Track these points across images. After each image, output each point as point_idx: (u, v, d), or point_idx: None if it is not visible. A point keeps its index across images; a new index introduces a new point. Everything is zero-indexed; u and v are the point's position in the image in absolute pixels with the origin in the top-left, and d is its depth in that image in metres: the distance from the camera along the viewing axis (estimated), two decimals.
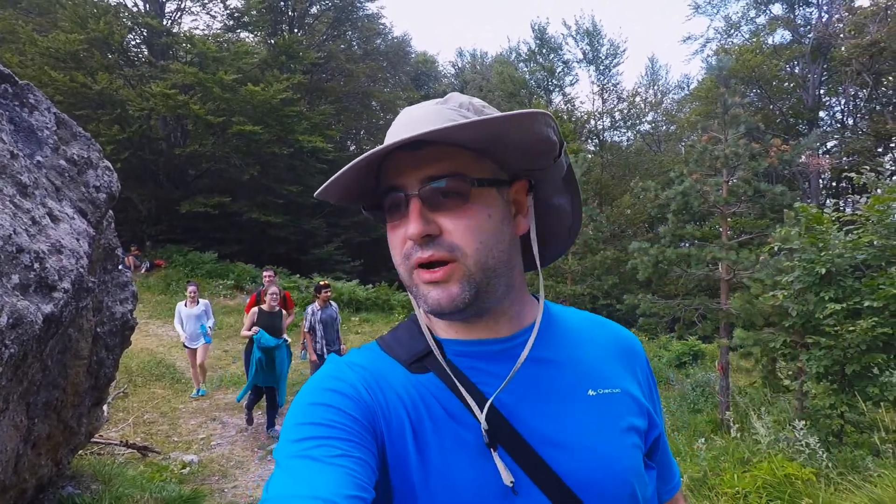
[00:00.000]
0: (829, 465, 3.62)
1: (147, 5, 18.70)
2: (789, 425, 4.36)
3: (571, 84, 27.31)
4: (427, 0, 69.81)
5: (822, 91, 20.83)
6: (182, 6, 19.63)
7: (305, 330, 6.11)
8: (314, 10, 22.82)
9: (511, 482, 0.56)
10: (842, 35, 18.59)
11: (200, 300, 6.85)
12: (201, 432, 5.72)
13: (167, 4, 19.38)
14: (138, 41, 18.87)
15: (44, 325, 1.99)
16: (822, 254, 4.71)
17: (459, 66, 35.41)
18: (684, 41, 35.70)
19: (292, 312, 6.71)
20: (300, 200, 18.79)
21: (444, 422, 0.60)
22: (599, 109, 26.01)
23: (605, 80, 25.92)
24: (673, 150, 24.60)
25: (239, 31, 21.21)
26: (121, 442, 4.76)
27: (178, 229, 17.67)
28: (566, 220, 0.75)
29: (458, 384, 0.61)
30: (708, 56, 23.30)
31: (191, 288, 6.86)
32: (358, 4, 23.23)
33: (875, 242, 4.67)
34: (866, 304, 4.36)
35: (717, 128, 7.49)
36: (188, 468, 4.66)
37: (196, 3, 19.76)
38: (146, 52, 18.45)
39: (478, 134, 0.56)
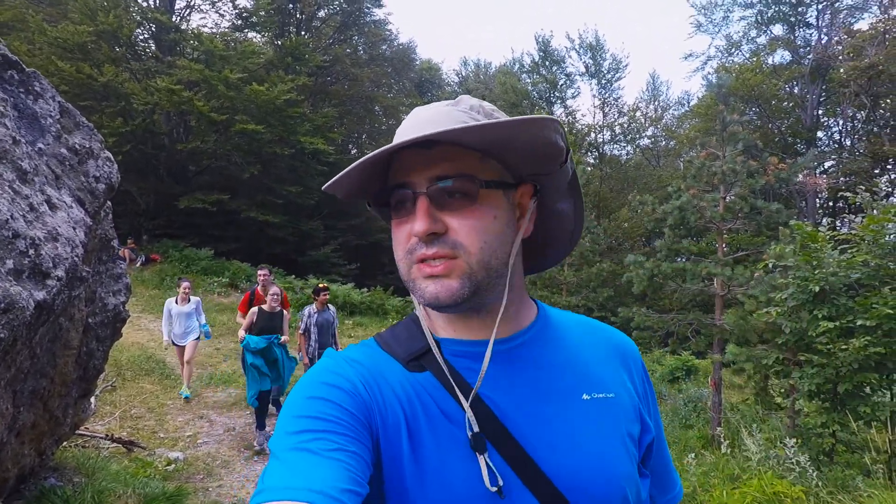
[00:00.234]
0: (820, 483, 3.61)
1: (157, 1, 18.80)
2: (780, 443, 4.36)
3: (573, 97, 27.53)
4: (431, 4, 70.58)
5: (820, 111, 21.06)
6: (192, 3, 19.76)
7: (300, 332, 6.03)
8: (322, 13, 22.98)
9: (496, 488, 0.56)
10: (840, 57, 18.85)
11: (192, 297, 6.69)
12: (188, 429, 5.66)
13: (177, 1, 19.50)
14: (146, 36, 18.95)
15: (35, 311, 1.98)
16: (817, 272, 4.74)
17: (463, 74, 35.63)
18: (685, 58, 36.24)
19: (288, 312, 6.61)
20: (299, 201, 18.79)
21: (438, 420, 0.60)
22: (600, 123, 26.18)
23: (607, 94, 26.12)
24: (672, 165, 24.79)
25: (247, 30, 21.34)
26: (106, 435, 4.70)
27: (176, 224, 17.62)
28: (568, 225, 0.75)
29: (453, 384, 0.61)
30: (708, 74, 23.57)
31: (185, 284, 6.71)
32: (365, 10, 23.42)
33: (869, 262, 4.70)
34: (859, 322, 4.38)
35: (716, 144, 7.56)
36: (173, 465, 4.61)
37: (206, 1, 19.90)
38: (153, 47, 18.51)
39: (487, 137, 0.56)
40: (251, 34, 21.74)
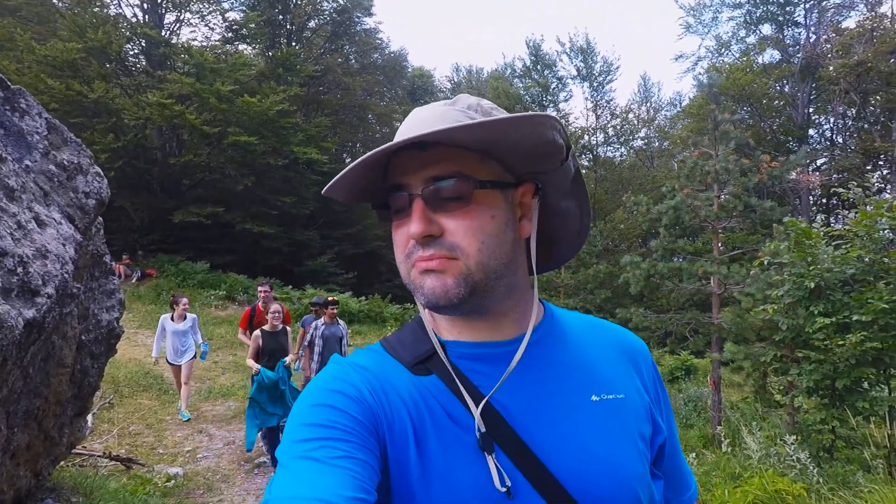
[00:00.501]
0: (820, 480, 3.61)
1: (146, 16, 18.87)
2: (780, 440, 4.36)
3: (566, 100, 27.58)
4: (432, 6, 71.12)
5: (811, 109, 21.25)
6: (181, 17, 19.85)
7: (305, 344, 5.85)
8: (312, 23, 23.11)
9: (505, 488, 0.55)
10: (829, 55, 19.06)
11: (188, 314, 6.51)
12: (187, 445, 5.61)
13: (166, 16, 19.57)
14: (136, 51, 19.03)
15: (25, 330, 1.96)
16: (812, 268, 4.76)
17: (455, 80, 35.84)
18: (676, 59, 36.45)
19: (290, 327, 6.37)
20: (294, 211, 18.79)
21: (445, 424, 0.59)
22: (593, 125, 26.34)
23: (599, 97, 26.30)
24: (665, 165, 24.90)
25: (237, 43, 21.43)
26: (104, 454, 4.65)
27: (171, 239, 17.59)
28: (574, 224, 0.74)
29: (460, 387, 0.60)
30: (699, 74, 23.77)
31: (183, 300, 6.50)
32: (356, 19, 23.56)
33: (863, 257, 4.73)
34: (855, 318, 4.39)
35: (708, 143, 7.60)
36: (172, 481, 4.56)
37: (195, 14, 19.98)
38: (144, 62, 18.58)
39: (481, 135, 0.56)
40: (242, 46, 21.83)
